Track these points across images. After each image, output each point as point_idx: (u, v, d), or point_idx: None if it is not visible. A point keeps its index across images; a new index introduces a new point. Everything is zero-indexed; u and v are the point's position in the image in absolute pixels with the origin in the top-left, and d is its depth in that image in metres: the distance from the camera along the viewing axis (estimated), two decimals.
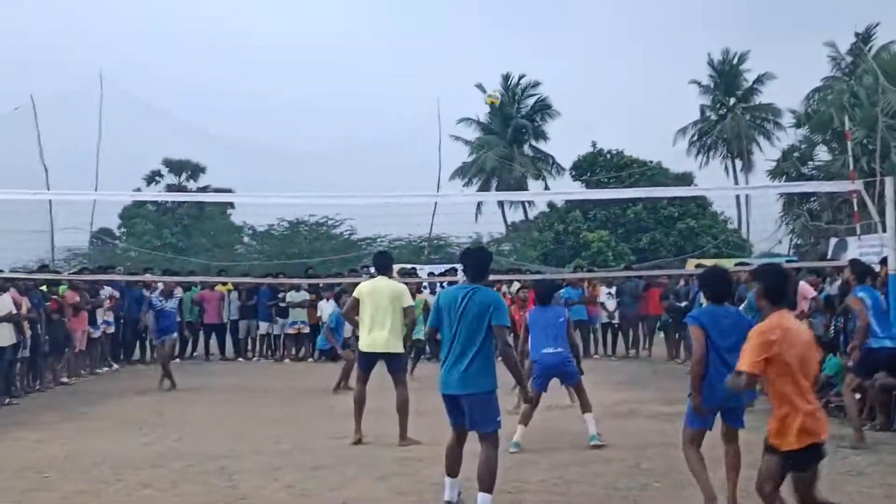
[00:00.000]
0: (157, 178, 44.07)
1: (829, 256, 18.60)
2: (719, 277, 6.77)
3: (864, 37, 37.58)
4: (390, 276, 9.93)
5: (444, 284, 17.74)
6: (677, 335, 18.46)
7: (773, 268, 5.63)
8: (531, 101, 48.17)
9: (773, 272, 5.49)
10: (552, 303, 9.89)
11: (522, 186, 44.60)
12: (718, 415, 6.37)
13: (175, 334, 15.67)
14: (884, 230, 10.50)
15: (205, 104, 58.12)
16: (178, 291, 18.06)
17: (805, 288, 12.82)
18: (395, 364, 9.46)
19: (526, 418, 8.95)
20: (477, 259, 6.88)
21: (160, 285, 15.92)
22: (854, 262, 10.53)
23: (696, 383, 6.07)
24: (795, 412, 5.01)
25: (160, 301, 15.08)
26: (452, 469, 6.67)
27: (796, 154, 31.68)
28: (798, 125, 33.46)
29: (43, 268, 20.14)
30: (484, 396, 6.40)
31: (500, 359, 6.49)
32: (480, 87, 47.67)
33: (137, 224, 40.70)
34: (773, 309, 5.24)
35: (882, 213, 10.82)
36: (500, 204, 46.45)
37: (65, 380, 15.40)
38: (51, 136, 32.04)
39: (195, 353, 20.28)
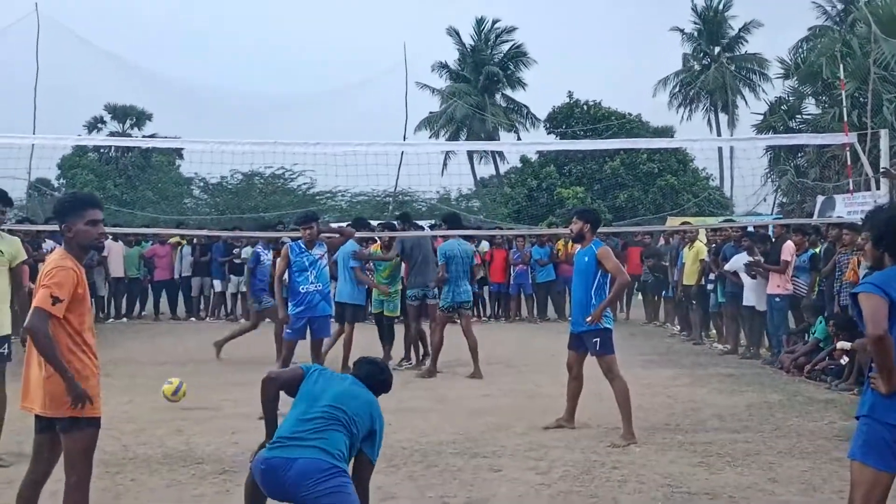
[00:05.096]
0: (99, 125, 43.46)
1: (816, 215, 18.80)
2: None
3: None
4: None
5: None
6: (656, 297, 18.66)
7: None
8: (505, 47, 47.87)
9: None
10: None
11: (494, 139, 44.48)
12: None
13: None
14: (877, 187, 10.62)
15: (151, 45, 57.23)
16: None
17: (788, 246, 12.89)
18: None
19: None
20: None
21: None
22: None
23: (888, 360, 4.12)
24: None
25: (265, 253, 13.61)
26: None
27: (784, 107, 31.79)
28: (786, 76, 33.57)
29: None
30: None
31: None
32: (453, 30, 47.49)
33: (78, 175, 40.16)
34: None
35: (876, 169, 10.94)
36: (470, 157, 46.29)
37: None
38: None
39: (144, 312, 20.18)
